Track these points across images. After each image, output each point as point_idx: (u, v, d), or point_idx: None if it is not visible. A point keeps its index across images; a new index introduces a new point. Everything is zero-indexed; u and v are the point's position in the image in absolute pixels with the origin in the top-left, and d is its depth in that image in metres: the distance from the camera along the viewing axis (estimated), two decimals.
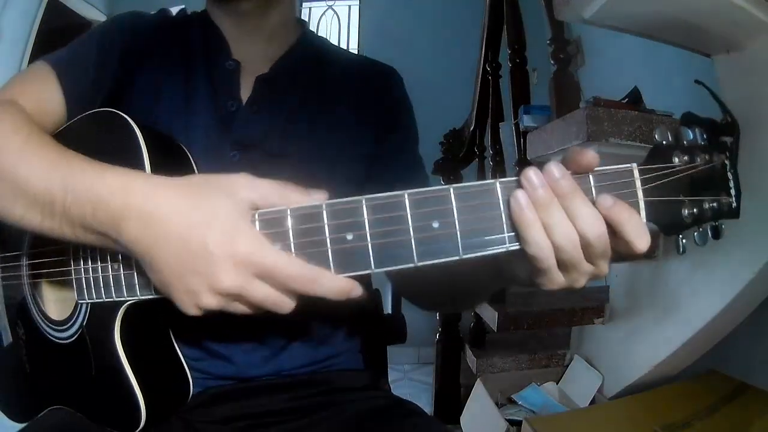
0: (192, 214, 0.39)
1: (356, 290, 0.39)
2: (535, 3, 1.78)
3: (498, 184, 0.38)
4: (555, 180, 0.36)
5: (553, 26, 1.58)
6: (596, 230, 0.37)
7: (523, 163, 1.57)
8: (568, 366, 1.59)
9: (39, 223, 0.44)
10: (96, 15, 2.85)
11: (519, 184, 0.37)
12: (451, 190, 0.37)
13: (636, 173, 0.38)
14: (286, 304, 0.40)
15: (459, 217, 0.37)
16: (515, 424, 1.30)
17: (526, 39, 1.69)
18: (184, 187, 0.41)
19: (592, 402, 1.40)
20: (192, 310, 0.40)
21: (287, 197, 0.40)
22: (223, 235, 0.38)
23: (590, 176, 0.38)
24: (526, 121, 1.54)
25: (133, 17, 0.65)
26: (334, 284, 0.38)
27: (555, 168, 0.37)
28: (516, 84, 1.68)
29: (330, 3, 3.25)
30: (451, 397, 1.93)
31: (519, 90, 1.67)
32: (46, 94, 0.57)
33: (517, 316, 1.42)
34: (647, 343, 1.30)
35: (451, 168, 2.10)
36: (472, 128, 2.07)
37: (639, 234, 0.37)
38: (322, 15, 3.26)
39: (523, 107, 1.59)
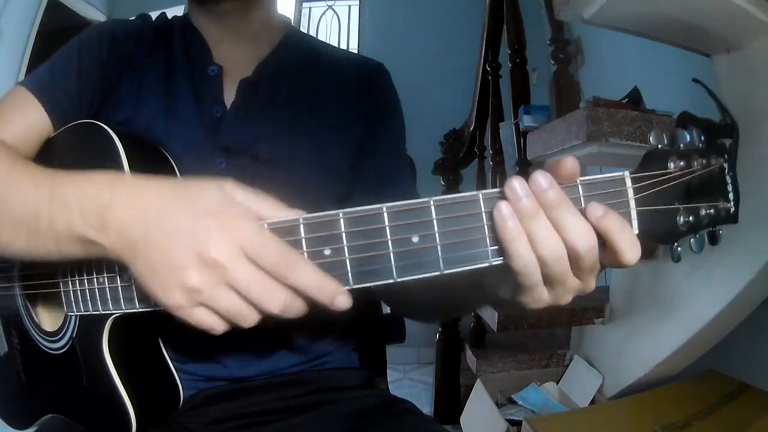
0: (180, 193, 0.38)
1: (342, 298, 0.36)
2: (535, 3, 1.78)
3: (480, 196, 0.36)
4: (542, 190, 0.34)
5: (553, 26, 1.58)
6: (587, 243, 0.35)
7: (523, 163, 1.57)
8: (568, 366, 1.59)
9: (26, 245, 0.43)
10: (96, 15, 2.85)
11: (503, 195, 0.35)
12: (432, 203, 0.36)
13: (628, 182, 0.36)
14: (275, 295, 0.36)
15: (440, 231, 0.36)
16: (515, 424, 1.30)
17: (526, 39, 1.69)
18: (172, 180, 0.40)
19: (592, 402, 1.40)
20: (178, 295, 0.36)
21: (267, 207, 0.39)
22: (212, 207, 0.37)
23: (579, 186, 0.36)
24: (526, 121, 1.54)
25: (113, 25, 0.64)
26: (315, 278, 0.36)
27: (541, 177, 0.34)
28: (516, 84, 1.68)
29: (330, 3, 3.25)
30: (451, 397, 1.93)
31: (519, 90, 1.67)
32: (31, 121, 0.57)
33: (517, 316, 1.42)
34: (647, 343, 1.30)
35: (451, 168, 2.10)
36: (472, 128, 2.07)
37: (630, 246, 0.35)
38: (322, 15, 3.26)
39: (523, 107, 1.59)
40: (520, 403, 1.50)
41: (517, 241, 0.35)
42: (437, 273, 0.36)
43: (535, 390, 1.55)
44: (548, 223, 0.35)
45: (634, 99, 1.26)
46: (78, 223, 0.40)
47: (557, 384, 1.57)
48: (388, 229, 0.36)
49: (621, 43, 1.77)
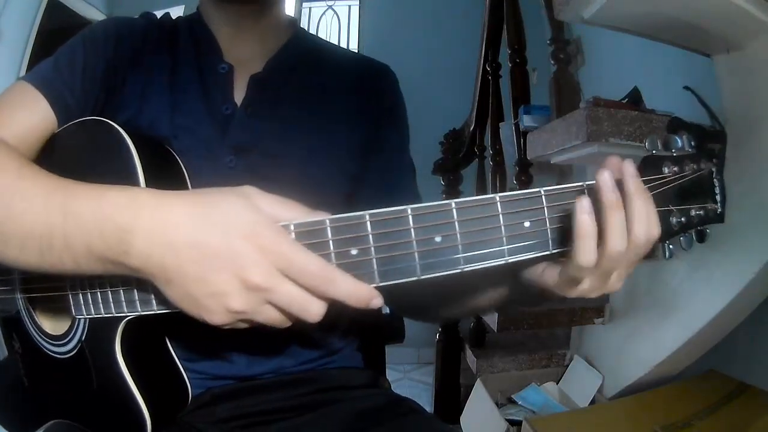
0: (208, 216, 0.37)
1: (377, 300, 0.38)
2: (535, 3, 1.78)
3: (498, 198, 0.39)
4: (632, 174, 0.38)
5: (553, 26, 1.58)
6: (654, 233, 0.38)
7: (523, 163, 1.57)
8: (568, 366, 1.59)
9: (37, 261, 0.41)
10: (96, 15, 2.85)
11: (525, 196, 0.39)
12: (453, 205, 0.38)
13: None
14: (314, 308, 0.37)
15: (461, 231, 0.38)
16: (515, 424, 1.30)
17: (526, 39, 1.69)
18: (194, 195, 0.39)
19: (592, 402, 1.40)
20: (221, 317, 0.37)
21: (292, 212, 0.39)
22: (245, 230, 0.36)
23: (586, 191, 0.39)
24: (526, 121, 1.54)
25: (118, 23, 0.63)
26: (352, 288, 0.37)
27: (629, 165, 0.38)
28: (516, 84, 1.68)
29: (330, 3, 3.25)
30: (451, 397, 1.93)
31: (519, 90, 1.67)
32: (35, 117, 0.55)
33: (517, 316, 1.42)
34: (647, 343, 1.30)
35: (451, 168, 2.10)
36: (472, 128, 2.07)
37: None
38: (322, 15, 3.27)
39: (523, 107, 1.59)
40: (520, 403, 1.50)
41: (590, 239, 0.38)
42: (458, 271, 0.39)
43: (535, 390, 1.55)
44: (623, 218, 0.38)
45: (634, 99, 1.26)
46: (98, 246, 0.38)
47: (557, 384, 1.57)
48: (413, 230, 0.38)
49: (621, 43, 1.77)
